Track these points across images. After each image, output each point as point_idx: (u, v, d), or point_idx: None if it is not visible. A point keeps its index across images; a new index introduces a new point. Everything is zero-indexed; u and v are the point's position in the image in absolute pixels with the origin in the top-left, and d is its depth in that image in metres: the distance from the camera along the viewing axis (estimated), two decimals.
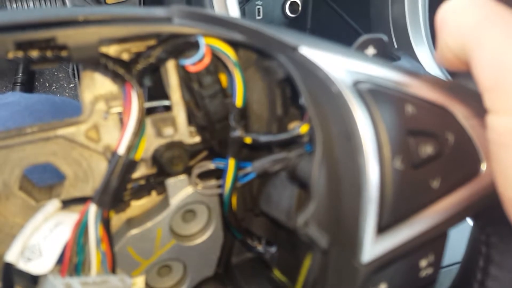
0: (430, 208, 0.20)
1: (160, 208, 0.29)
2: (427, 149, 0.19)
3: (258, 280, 0.30)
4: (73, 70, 1.41)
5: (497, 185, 0.18)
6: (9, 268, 0.21)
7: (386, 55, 0.27)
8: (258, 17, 0.71)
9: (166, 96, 0.28)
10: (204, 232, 0.30)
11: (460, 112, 0.21)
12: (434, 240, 0.21)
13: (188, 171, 0.29)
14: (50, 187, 0.29)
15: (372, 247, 0.19)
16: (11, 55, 0.20)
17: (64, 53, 0.21)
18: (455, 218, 0.20)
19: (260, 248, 0.28)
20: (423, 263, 0.21)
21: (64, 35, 0.21)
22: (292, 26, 0.74)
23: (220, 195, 0.29)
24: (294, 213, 0.24)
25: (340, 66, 0.20)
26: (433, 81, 0.22)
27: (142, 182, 0.29)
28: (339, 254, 0.19)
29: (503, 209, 0.19)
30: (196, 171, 0.28)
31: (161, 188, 0.29)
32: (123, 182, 0.23)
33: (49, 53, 0.21)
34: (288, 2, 0.73)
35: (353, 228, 0.19)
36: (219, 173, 0.28)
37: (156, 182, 0.29)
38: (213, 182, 0.29)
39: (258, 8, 0.70)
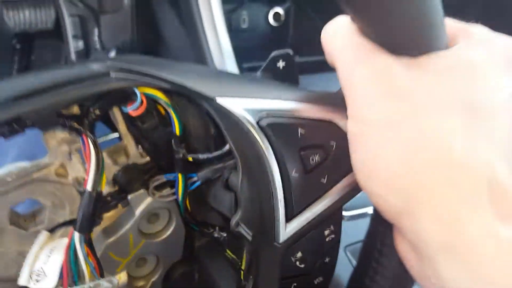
0: (322, 197, 0.28)
1: (127, 217, 0.36)
2: (315, 158, 0.27)
3: (218, 259, 0.38)
4: (65, 62, 1.39)
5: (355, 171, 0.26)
6: None
7: (293, 66, 0.34)
8: (243, 25, 0.74)
9: (114, 127, 0.34)
10: (168, 228, 0.38)
11: (342, 121, 0.29)
12: (331, 216, 0.29)
13: (145, 184, 0.35)
14: (34, 215, 0.35)
15: (284, 231, 0.27)
16: None
17: (28, 124, 0.27)
18: (342, 200, 0.29)
19: (215, 234, 0.36)
20: (327, 232, 0.30)
21: (26, 115, 0.26)
22: (275, 34, 0.78)
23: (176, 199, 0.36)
24: (232, 207, 0.32)
25: (247, 107, 0.26)
26: (321, 98, 0.29)
27: (108, 198, 0.35)
28: (263, 240, 0.27)
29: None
30: (152, 185, 0.35)
31: (125, 202, 0.36)
32: (95, 209, 0.30)
33: (15, 126, 0.26)
34: (272, 12, 0.76)
35: (270, 221, 0.27)
36: (171, 182, 0.35)
37: (119, 198, 0.35)
38: (167, 190, 0.35)
39: (244, 18, 0.73)
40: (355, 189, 0.29)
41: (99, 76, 0.28)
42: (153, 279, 0.39)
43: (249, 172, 0.27)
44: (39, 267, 0.29)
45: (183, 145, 0.32)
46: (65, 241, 0.30)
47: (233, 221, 0.27)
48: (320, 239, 0.30)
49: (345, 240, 0.45)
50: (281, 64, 0.33)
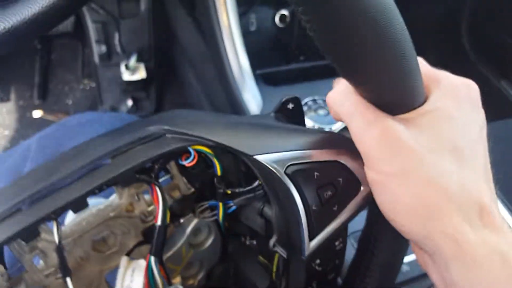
0: (334, 220, 0.38)
1: (180, 235, 0.46)
2: (328, 193, 0.37)
3: (248, 260, 0.48)
4: (82, 72, 1.47)
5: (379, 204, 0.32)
6: None
7: (300, 106, 0.44)
8: (252, 28, 0.80)
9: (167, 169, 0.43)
10: (209, 238, 0.48)
11: (345, 159, 0.38)
12: (340, 231, 0.40)
13: (192, 209, 0.45)
14: (104, 240, 0.44)
15: (308, 247, 0.37)
16: None
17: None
18: (349, 219, 0.39)
19: (247, 242, 0.46)
20: (337, 243, 0.40)
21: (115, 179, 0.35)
22: (281, 35, 0.83)
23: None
24: (263, 229, 0.42)
25: (277, 160, 0.36)
26: (328, 140, 0.38)
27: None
28: (293, 255, 0.38)
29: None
30: (198, 210, 0.44)
31: (178, 223, 0.45)
32: (164, 237, 0.40)
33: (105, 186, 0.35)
34: (278, 14, 0.81)
35: (298, 241, 0.37)
36: (212, 205, 0.45)
37: (174, 221, 0.45)
38: (209, 212, 0.45)
39: (252, 21, 0.79)
40: (358, 210, 0.39)
41: (158, 138, 0.37)
42: (199, 278, 0.49)
43: (280, 206, 0.37)
44: (127, 285, 0.39)
45: (223, 182, 0.41)
46: (142, 262, 0.40)
47: (271, 243, 0.38)
48: (332, 248, 0.40)
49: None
50: (290, 105, 0.43)
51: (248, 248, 0.48)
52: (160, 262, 0.40)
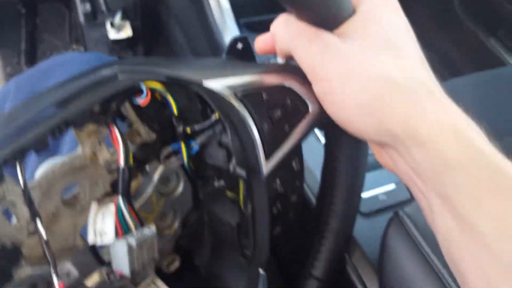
0: (287, 139, 0.40)
1: (147, 183, 0.47)
2: (277, 114, 0.39)
3: (219, 201, 0.50)
4: (69, 36, 1.44)
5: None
6: (94, 247, 0.39)
7: (249, 46, 0.46)
8: None
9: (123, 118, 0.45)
10: (178, 186, 0.50)
11: (291, 83, 0.41)
12: (295, 150, 0.42)
13: (156, 156, 0.46)
14: (75, 197, 0.45)
15: (266, 166, 0.39)
16: None
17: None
18: (300, 138, 0.41)
19: (215, 183, 0.48)
20: (293, 163, 0.42)
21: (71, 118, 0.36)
22: None
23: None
24: (226, 162, 0.44)
25: (226, 85, 0.38)
26: (274, 68, 0.41)
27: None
28: (253, 176, 0.39)
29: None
30: (162, 156, 0.46)
31: (144, 171, 0.47)
32: (130, 178, 0.41)
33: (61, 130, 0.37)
34: None
35: (255, 161, 0.39)
36: (176, 151, 0.46)
37: (139, 170, 0.46)
38: (174, 158, 0.47)
39: None
40: (308, 130, 0.41)
41: (109, 79, 0.39)
42: (174, 227, 0.51)
43: (235, 131, 0.39)
44: (100, 228, 0.40)
45: (181, 121, 0.43)
46: (111, 206, 0.41)
47: (231, 167, 0.39)
48: (290, 168, 0.42)
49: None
50: (239, 45, 0.45)
51: (217, 190, 0.50)
52: (129, 203, 0.41)
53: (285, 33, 0.36)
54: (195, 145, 0.45)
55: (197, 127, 0.43)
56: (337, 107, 0.34)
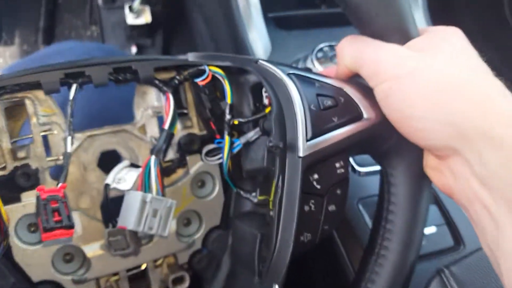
0: (334, 131, 0.38)
1: (184, 176, 0.46)
2: (328, 102, 0.39)
3: (251, 221, 0.46)
4: (89, 18, 1.36)
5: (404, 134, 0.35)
6: (107, 187, 0.37)
7: None
8: None
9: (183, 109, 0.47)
10: (212, 193, 0.47)
11: (347, 89, 0.41)
12: (340, 152, 0.39)
13: (200, 153, 0.46)
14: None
15: (304, 148, 0.37)
16: (111, 76, 0.39)
17: (135, 75, 0.40)
18: (349, 140, 0.39)
19: (247, 194, 0.45)
20: (337, 165, 0.39)
21: (136, 65, 0.40)
22: None
23: (221, 168, 0.47)
24: (266, 157, 0.42)
25: (280, 67, 0.40)
26: (334, 78, 0.42)
27: (171, 163, 0.46)
28: (289, 155, 0.37)
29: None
30: (204, 150, 0.46)
31: (183, 166, 0.46)
32: (168, 145, 0.41)
33: (128, 75, 0.40)
34: None
35: (294, 140, 0.37)
36: (219, 153, 0.46)
37: (180, 161, 0.46)
38: (215, 158, 0.46)
39: None
40: (358, 136, 0.39)
41: (182, 60, 0.43)
42: (195, 237, 0.46)
43: (280, 109, 0.39)
44: (122, 176, 0.39)
45: (232, 112, 0.44)
46: (140, 168, 0.40)
47: (268, 142, 0.38)
48: (332, 169, 0.39)
49: (358, 193, 0.52)
50: None
51: (249, 213, 0.46)
52: (159, 167, 0.40)
53: (352, 47, 0.37)
54: (239, 142, 0.44)
55: (242, 119, 0.44)
56: (401, 107, 0.33)
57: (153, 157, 0.40)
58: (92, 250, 0.40)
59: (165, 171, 0.46)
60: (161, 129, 0.41)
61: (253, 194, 0.45)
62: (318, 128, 0.38)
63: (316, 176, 0.38)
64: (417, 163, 0.40)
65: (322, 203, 0.38)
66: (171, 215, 0.39)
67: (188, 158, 0.46)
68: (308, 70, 0.42)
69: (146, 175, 0.39)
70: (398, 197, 0.42)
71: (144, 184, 0.39)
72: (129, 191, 0.38)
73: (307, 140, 0.37)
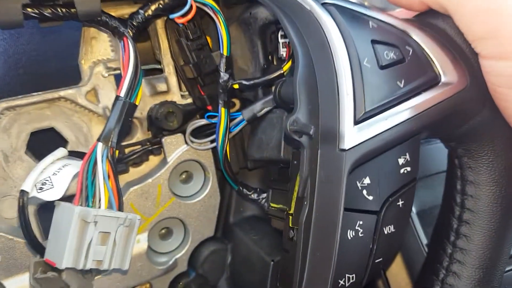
0: (399, 105, 0.23)
1: (159, 167, 0.31)
2: (390, 55, 0.23)
3: (256, 230, 0.31)
4: None
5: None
6: (24, 195, 0.23)
7: None
8: None
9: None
10: (202, 192, 0.32)
11: (416, 34, 0.25)
12: (407, 141, 0.24)
13: (182, 132, 0.31)
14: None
15: (352, 135, 0.21)
16: (26, 10, 0.24)
17: (71, 9, 0.24)
18: (423, 119, 0.23)
19: (255, 196, 0.30)
20: (401, 160, 0.24)
21: None
22: None
23: (215, 154, 0.31)
24: (284, 145, 0.27)
25: None
26: (392, 14, 0.26)
27: (139, 147, 0.31)
28: (324, 148, 0.22)
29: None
30: (190, 128, 0.30)
31: (158, 151, 0.31)
32: (125, 123, 0.26)
33: (58, 9, 0.24)
34: None
35: (333, 121, 0.21)
36: (211, 133, 0.31)
37: (152, 145, 0.31)
38: (205, 139, 0.31)
39: None
40: (436, 112, 0.24)
41: None
42: (177, 256, 0.32)
43: (309, 65, 0.23)
44: (47, 177, 0.24)
45: (230, 70, 0.28)
46: (81, 162, 0.25)
47: (290, 120, 0.22)
48: (393, 168, 0.24)
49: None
50: None
51: (254, 218, 0.31)
52: (111, 160, 0.25)
53: None
54: (242, 117, 0.29)
55: (246, 82, 0.28)
56: None
57: (99, 145, 0.25)
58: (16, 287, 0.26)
59: (127, 159, 0.30)
60: (116, 97, 0.26)
61: (263, 196, 0.30)
62: (374, 100, 0.22)
63: (367, 180, 0.23)
64: None
65: (375, 224, 0.23)
66: (133, 236, 0.25)
67: (164, 140, 0.30)
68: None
69: (89, 174, 0.24)
70: (479, 202, 0.28)
71: (84, 191, 0.24)
72: (59, 202, 0.23)
73: (356, 122, 0.21)
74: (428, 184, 0.41)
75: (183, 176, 0.32)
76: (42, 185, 0.23)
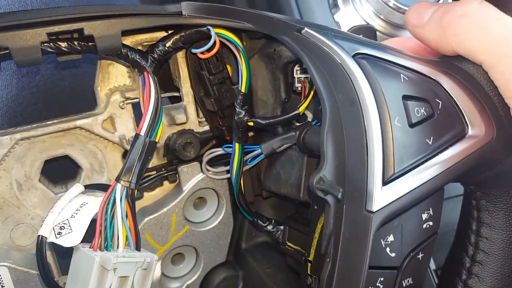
0: (427, 162, 0.22)
1: (173, 195, 0.30)
2: (421, 111, 0.22)
3: (269, 260, 0.31)
4: None
5: None
6: (42, 242, 0.22)
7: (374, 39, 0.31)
8: None
9: (173, 91, 0.31)
10: (216, 218, 0.32)
11: (447, 83, 0.24)
12: (432, 196, 0.23)
13: (199, 159, 0.30)
14: (66, 182, 0.30)
15: (380, 197, 0.21)
16: (44, 46, 0.22)
17: (90, 43, 0.23)
18: (449, 174, 0.23)
19: (270, 227, 0.30)
20: (424, 216, 0.23)
21: (90, 26, 0.23)
22: None
23: (229, 181, 0.31)
24: (304, 186, 0.26)
25: (339, 43, 0.23)
26: (421, 58, 0.25)
27: (154, 173, 0.30)
28: (351, 207, 0.21)
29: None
30: (206, 157, 0.30)
31: (173, 177, 0.31)
32: (145, 162, 0.25)
33: (76, 44, 0.23)
34: None
35: (361, 181, 0.21)
36: (228, 161, 0.30)
37: (168, 171, 0.30)
38: (222, 168, 0.30)
39: None
40: (462, 165, 0.23)
41: (173, 14, 0.26)
42: (189, 282, 0.32)
43: (337, 119, 0.22)
44: (65, 219, 0.23)
45: (247, 106, 0.27)
46: (100, 198, 0.25)
47: (316, 177, 0.22)
48: (416, 224, 0.23)
49: None
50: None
51: (268, 244, 0.31)
52: (129, 200, 0.24)
53: (494, 28, 0.23)
54: (260, 151, 0.28)
55: (264, 120, 0.27)
56: None
57: (118, 186, 0.24)
58: None
59: (142, 186, 0.30)
60: (135, 135, 0.25)
61: (278, 228, 0.30)
62: (403, 160, 0.22)
63: (391, 238, 0.23)
64: None
65: (395, 278, 0.23)
66: (151, 277, 0.24)
67: (180, 169, 0.30)
68: (380, 46, 0.25)
69: (107, 216, 0.24)
70: (494, 245, 0.28)
71: (103, 233, 0.23)
72: (78, 247, 0.23)
73: (385, 183, 0.21)
74: None
75: (196, 201, 0.32)
76: (61, 229, 0.23)
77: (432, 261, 0.39)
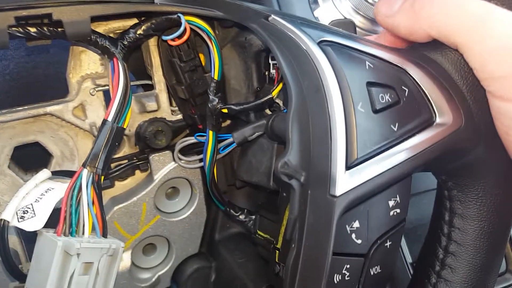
0: (392, 149, 0.22)
1: (144, 184, 0.30)
2: (386, 97, 0.22)
3: (242, 250, 0.31)
4: None
5: None
6: (4, 226, 0.22)
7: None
8: None
9: (146, 79, 0.31)
10: (188, 208, 0.32)
11: (414, 71, 0.24)
12: (398, 183, 0.23)
13: (171, 148, 0.30)
14: (37, 170, 0.30)
15: (343, 181, 0.21)
16: (12, 30, 0.22)
17: (59, 29, 0.23)
18: (416, 161, 0.23)
19: (242, 217, 0.30)
20: (391, 203, 0.24)
21: (59, 11, 0.23)
22: None
23: (203, 171, 0.31)
24: (274, 176, 0.27)
25: (306, 30, 0.23)
26: (390, 48, 0.25)
27: (125, 162, 0.30)
28: (315, 191, 0.21)
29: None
30: (179, 146, 0.30)
31: (145, 166, 0.30)
32: (112, 148, 0.25)
33: (45, 29, 0.23)
34: None
35: (324, 166, 0.21)
36: (201, 151, 0.30)
37: (139, 160, 0.30)
38: (195, 157, 0.30)
39: None
40: (429, 153, 0.23)
41: (142, 1, 0.26)
42: (160, 273, 0.32)
43: (302, 105, 0.22)
44: (29, 204, 0.23)
45: (220, 94, 0.27)
46: (66, 184, 0.25)
47: (280, 162, 0.22)
48: (383, 211, 0.23)
49: None
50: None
51: (241, 235, 0.31)
52: (96, 187, 0.24)
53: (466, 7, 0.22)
54: (232, 140, 0.28)
55: (236, 106, 0.27)
56: None
57: (84, 172, 0.24)
58: None
59: (113, 175, 0.30)
60: (103, 121, 0.25)
61: (250, 218, 0.30)
62: (367, 145, 0.22)
63: (356, 224, 0.23)
64: (506, 190, 0.26)
65: (362, 266, 0.23)
66: (117, 265, 0.24)
67: (151, 157, 0.30)
68: (349, 35, 0.25)
69: (73, 202, 0.23)
70: (467, 236, 0.28)
71: (68, 219, 0.23)
72: (41, 232, 0.22)
73: (348, 167, 0.21)
74: (415, 202, 0.41)
75: (169, 191, 0.32)
76: (24, 213, 0.23)
77: (408, 254, 0.40)
